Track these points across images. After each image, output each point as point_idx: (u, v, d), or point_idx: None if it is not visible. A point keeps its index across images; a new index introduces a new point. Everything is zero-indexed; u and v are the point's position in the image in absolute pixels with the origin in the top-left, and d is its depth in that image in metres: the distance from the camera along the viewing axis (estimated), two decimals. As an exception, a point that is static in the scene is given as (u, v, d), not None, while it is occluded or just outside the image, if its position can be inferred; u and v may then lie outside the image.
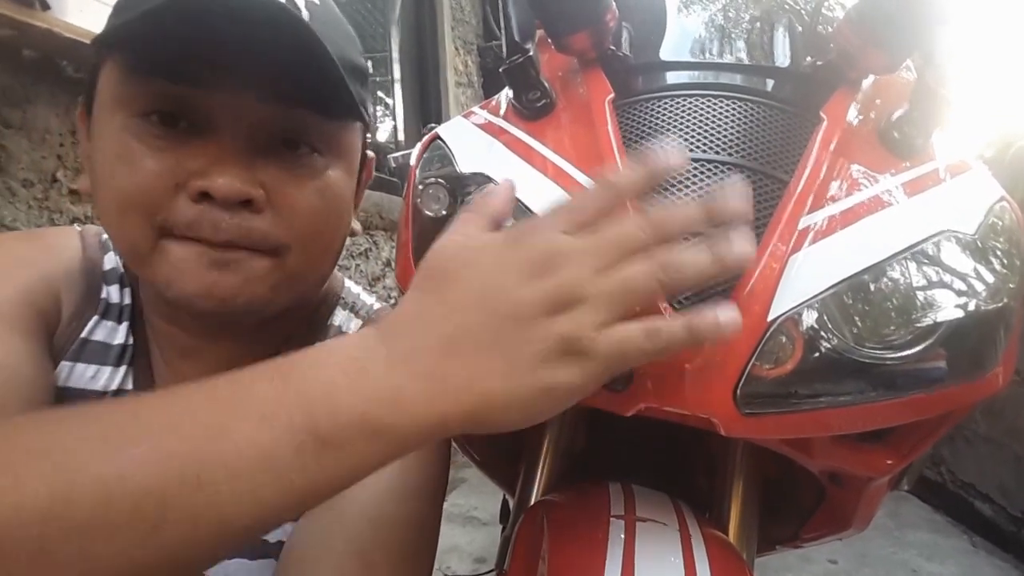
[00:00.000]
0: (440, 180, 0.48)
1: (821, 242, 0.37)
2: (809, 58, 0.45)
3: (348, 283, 0.63)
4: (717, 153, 0.40)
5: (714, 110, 0.42)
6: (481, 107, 0.55)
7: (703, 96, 0.42)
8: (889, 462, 0.44)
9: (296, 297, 0.49)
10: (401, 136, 2.52)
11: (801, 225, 0.37)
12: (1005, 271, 0.40)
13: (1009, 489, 1.99)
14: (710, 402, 0.34)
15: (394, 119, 2.53)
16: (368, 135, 0.55)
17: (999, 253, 0.40)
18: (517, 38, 0.47)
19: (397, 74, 2.48)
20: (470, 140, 0.50)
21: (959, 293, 0.38)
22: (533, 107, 0.47)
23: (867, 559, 1.80)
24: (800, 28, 0.49)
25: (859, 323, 0.37)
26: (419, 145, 0.55)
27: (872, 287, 0.37)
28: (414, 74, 2.58)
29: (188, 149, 0.42)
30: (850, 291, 0.36)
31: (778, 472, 0.62)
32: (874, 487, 0.49)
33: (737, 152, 0.40)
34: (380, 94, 2.71)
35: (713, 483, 0.63)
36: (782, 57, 0.47)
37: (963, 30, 0.39)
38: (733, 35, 0.49)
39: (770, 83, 0.44)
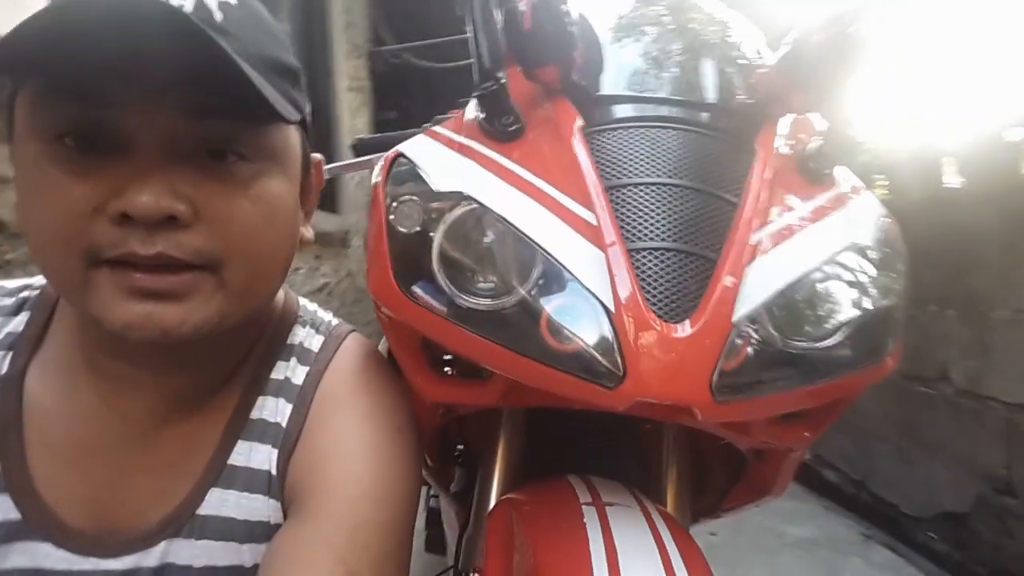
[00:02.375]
0: (414, 197, 0.50)
1: (766, 255, 0.44)
2: (740, 96, 0.53)
3: (303, 301, 0.63)
4: (679, 178, 0.46)
5: (671, 140, 0.48)
6: (444, 127, 0.57)
7: (662, 127, 0.48)
8: (807, 435, 0.53)
9: (246, 315, 0.49)
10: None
11: (751, 241, 0.44)
12: (892, 274, 0.50)
13: (850, 457, 2.32)
14: (691, 393, 0.40)
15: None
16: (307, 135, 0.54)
17: (887, 260, 0.50)
18: (488, 65, 0.50)
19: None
20: (441, 159, 0.52)
21: (862, 294, 0.47)
22: (505, 131, 0.51)
23: (741, 528, 2.01)
24: (727, 68, 0.56)
25: (792, 322, 0.44)
26: (382, 162, 0.57)
27: (802, 292, 0.45)
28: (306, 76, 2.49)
29: (106, 170, 0.40)
30: (786, 296, 0.44)
31: (696, 455, 0.70)
32: (792, 457, 0.58)
33: (691, 177, 0.47)
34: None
35: (647, 468, 0.70)
36: (712, 91, 0.54)
37: (866, 81, 0.48)
38: (667, 68, 0.56)
39: (714, 116, 0.51)
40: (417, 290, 0.48)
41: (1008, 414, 1.62)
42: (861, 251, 0.49)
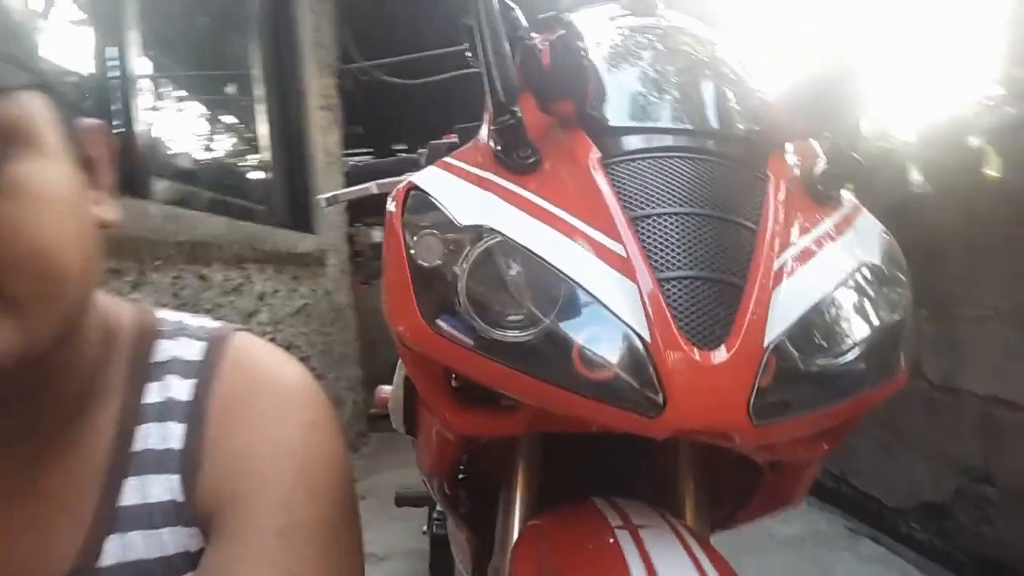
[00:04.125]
0: (434, 231, 0.50)
1: (789, 279, 0.46)
2: (746, 123, 0.54)
3: (163, 312, 0.56)
4: (698, 207, 0.47)
5: (687, 169, 0.49)
6: (456, 158, 0.58)
7: (679, 157, 0.50)
8: (825, 447, 0.55)
9: (63, 329, 0.42)
10: (267, 156, 2.40)
11: (775, 266, 0.45)
12: (900, 289, 0.52)
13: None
14: (731, 419, 0.41)
15: (255, 141, 2.40)
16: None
17: (895, 276, 0.52)
18: (503, 99, 0.51)
19: (259, 93, 2.36)
20: (459, 192, 0.52)
21: (876, 311, 0.49)
22: (522, 163, 0.51)
23: (736, 529, 2.03)
24: (729, 94, 0.58)
25: (817, 343, 0.46)
26: (396, 193, 0.57)
27: (824, 313, 0.46)
28: (275, 96, 2.47)
29: None
30: (810, 318, 0.46)
31: (708, 466, 0.71)
32: (811, 469, 0.60)
33: (710, 205, 0.48)
34: (230, 117, 2.55)
35: (662, 482, 0.70)
36: (719, 119, 0.56)
37: (865, 110, 0.50)
38: (672, 96, 0.57)
39: (724, 144, 0.52)
40: (443, 324, 0.48)
41: (984, 407, 1.68)
42: (872, 270, 0.51)
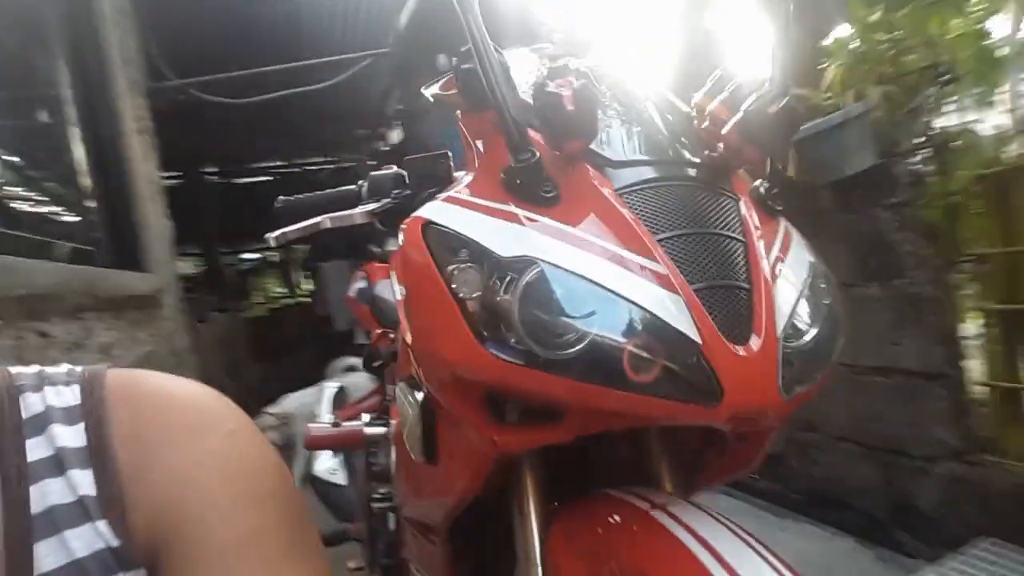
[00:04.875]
0: (471, 264, 0.53)
1: (777, 280, 0.57)
2: (711, 151, 0.65)
3: (16, 368, 0.52)
4: (702, 226, 0.57)
5: (681, 194, 0.58)
6: (464, 193, 0.60)
7: (671, 184, 0.59)
8: (788, 413, 0.67)
9: None
10: (87, 189, 2.09)
11: (765, 270, 0.56)
12: (833, 279, 0.66)
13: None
14: (770, 400, 0.50)
15: (72, 173, 2.08)
16: None
17: (828, 273, 0.66)
18: (519, 138, 0.56)
19: (70, 117, 2.05)
20: (486, 226, 0.56)
21: (829, 299, 0.62)
22: (543, 197, 0.56)
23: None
24: (681, 124, 0.68)
25: (803, 328, 0.57)
26: (407, 230, 0.59)
27: (805, 305, 0.58)
28: (88, 120, 2.16)
29: None
30: (798, 309, 0.57)
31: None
32: (773, 434, 0.72)
33: (707, 224, 0.57)
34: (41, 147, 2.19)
35: (635, 468, 0.79)
36: (691, 150, 0.66)
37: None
38: (640, 130, 0.67)
39: (701, 171, 0.62)
40: (495, 349, 0.52)
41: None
42: (817, 267, 0.64)
